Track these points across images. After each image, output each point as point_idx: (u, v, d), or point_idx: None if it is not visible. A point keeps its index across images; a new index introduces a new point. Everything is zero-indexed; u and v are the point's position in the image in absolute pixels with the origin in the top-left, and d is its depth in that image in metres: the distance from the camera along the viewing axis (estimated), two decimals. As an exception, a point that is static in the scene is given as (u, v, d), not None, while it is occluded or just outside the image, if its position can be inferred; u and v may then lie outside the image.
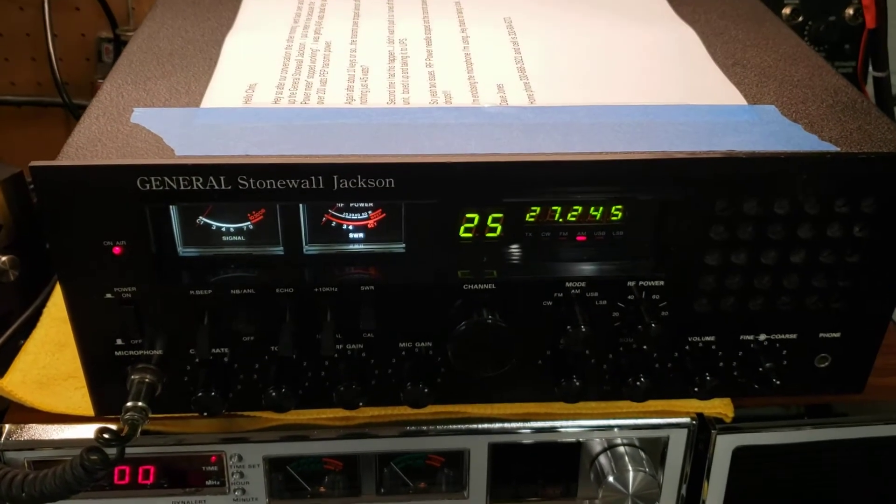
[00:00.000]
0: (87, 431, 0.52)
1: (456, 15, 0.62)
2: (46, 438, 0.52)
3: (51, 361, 0.56)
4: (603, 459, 0.55)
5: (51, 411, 0.53)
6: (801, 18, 0.84)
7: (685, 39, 0.59)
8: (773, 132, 0.48)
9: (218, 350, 0.49)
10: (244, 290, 0.47)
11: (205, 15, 0.61)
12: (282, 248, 0.48)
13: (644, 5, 0.65)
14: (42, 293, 0.63)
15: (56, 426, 0.53)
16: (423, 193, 0.45)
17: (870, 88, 0.74)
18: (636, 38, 0.59)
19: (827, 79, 0.54)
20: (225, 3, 0.63)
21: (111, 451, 0.46)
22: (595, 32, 0.60)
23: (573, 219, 0.48)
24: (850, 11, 0.84)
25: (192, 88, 0.51)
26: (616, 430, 0.55)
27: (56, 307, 0.61)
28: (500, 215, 0.48)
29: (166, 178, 0.43)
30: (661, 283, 0.49)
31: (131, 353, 0.49)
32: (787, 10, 0.84)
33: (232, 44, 0.56)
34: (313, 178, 0.44)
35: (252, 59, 0.54)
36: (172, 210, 0.46)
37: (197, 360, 0.49)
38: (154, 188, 0.43)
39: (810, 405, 0.56)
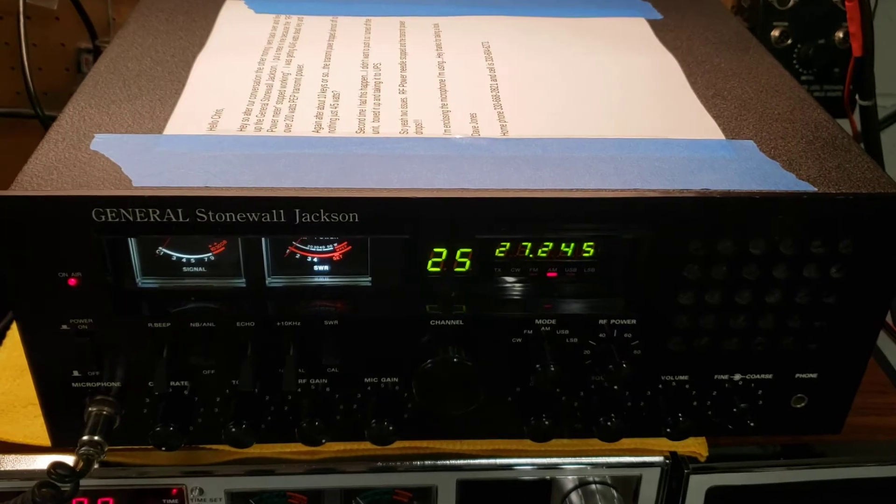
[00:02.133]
0: (45, 462, 0.50)
1: (433, 38, 0.61)
2: (2, 469, 0.51)
3: (10, 388, 0.55)
4: (574, 497, 0.54)
5: (8, 440, 0.52)
6: (790, 41, 0.83)
7: (666, 69, 0.58)
8: (750, 170, 0.47)
9: (177, 383, 0.48)
10: (204, 323, 0.46)
11: (177, 34, 0.60)
12: (244, 280, 0.47)
13: (627, 31, 0.64)
14: (5, 316, 0.62)
15: (13, 456, 0.51)
16: (388, 228, 0.44)
17: (857, 115, 0.73)
18: (616, 67, 0.58)
19: (808, 112, 0.53)
20: (198, 22, 0.62)
21: (65, 486, 0.44)
22: (575, 60, 0.59)
23: (544, 255, 0.47)
24: (840, 35, 0.83)
25: (156, 113, 0.50)
26: (588, 467, 0.53)
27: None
28: (468, 250, 0.46)
29: (122, 210, 0.42)
30: (634, 321, 0.48)
31: (88, 384, 0.48)
32: (776, 33, 0.83)
33: (202, 66, 0.55)
34: (274, 211, 0.42)
35: (221, 83, 0.53)
36: (130, 241, 0.45)
37: (156, 392, 0.48)
38: (110, 220, 0.42)
39: (787, 445, 0.55)
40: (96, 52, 0.88)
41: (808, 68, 0.84)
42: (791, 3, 0.83)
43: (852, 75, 0.70)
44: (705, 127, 0.51)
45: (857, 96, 0.70)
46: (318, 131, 0.48)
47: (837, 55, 0.84)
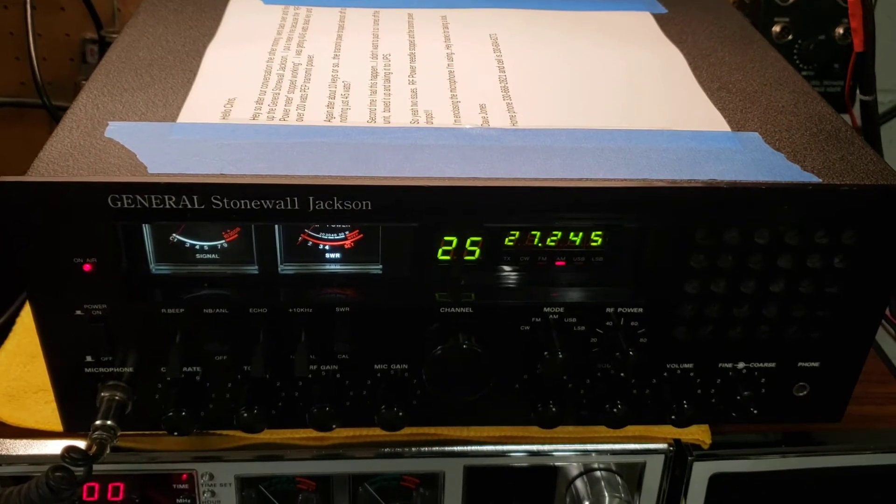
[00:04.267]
0: (56, 447, 0.51)
1: (442, 30, 0.61)
2: (14, 454, 0.51)
3: (21, 373, 0.55)
4: (579, 484, 0.54)
5: (19, 426, 0.52)
6: (790, 37, 0.84)
7: (671, 61, 0.59)
8: (756, 161, 0.47)
9: (190, 369, 0.48)
10: (217, 310, 0.47)
11: (187, 23, 0.61)
12: (256, 267, 0.47)
13: (632, 24, 0.64)
14: (16, 301, 0.62)
15: (25, 441, 0.52)
16: (401, 216, 0.45)
17: (857, 109, 0.74)
18: (622, 59, 0.58)
19: (812, 105, 0.54)
20: (208, 12, 0.62)
21: (78, 470, 0.45)
22: (581, 52, 0.59)
23: (552, 243, 0.48)
24: (840, 31, 0.84)
25: (169, 101, 0.50)
26: (593, 454, 0.54)
27: (30, 316, 0.59)
28: (478, 238, 0.47)
29: (138, 197, 0.42)
30: (640, 310, 0.48)
31: (101, 370, 0.48)
32: (776, 28, 0.84)
33: (213, 55, 0.56)
34: (288, 198, 0.43)
35: (232, 72, 0.54)
36: (145, 227, 0.45)
37: (168, 378, 0.48)
38: (125, 206, 0.42)
39: (788, 433, 0.56)
40: (101, 43, 0.88)
41: (809, 64, 0.85)
42: (792, -2, 0.83)
43: (853, 70, 0.71)
44: (711, 119, 0.52)
45: (857, 91, 0.71)
46: (329, 121, 0.49)
47: (837, 51, 0.85)
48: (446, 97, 0.52)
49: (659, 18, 0.65)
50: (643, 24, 0.64)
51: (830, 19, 0.84)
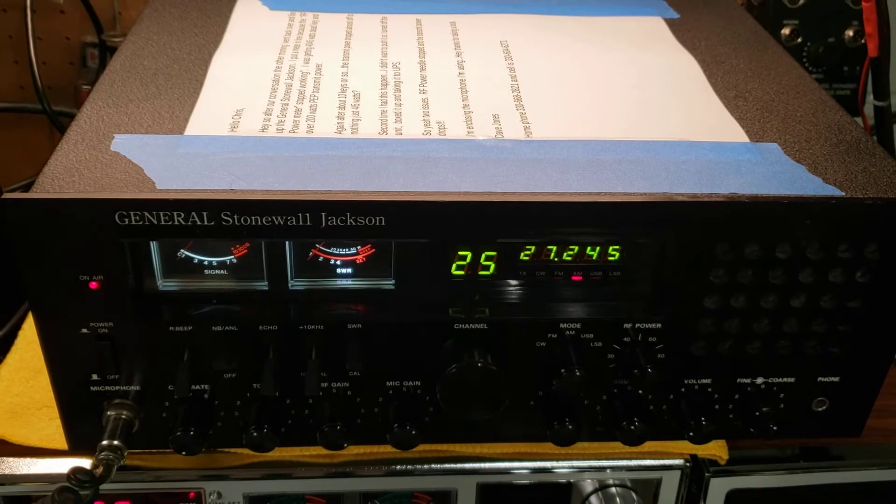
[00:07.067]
0: (61, 466, 0.50)
1: (451, 37, 0.60)
2: (18, 473, 0.50)
3: (24, 389, 0.54)
4: (594, 500, 0.54)
5: (23, 444, 0.51)
6: (799, 39, 0.83)
7: (686, 69, 0.57)
8: (777, 173, 0.46)
9: (198, 387, 0.47)
10: (226, 327, 0.46)
11: (192, 31, 0.59)
12: (266, 283, 0.46)
13: (645, 30, 0.63)
14: (17, 313, 0.61)
15: (29, 460, 0.51)
16: (415, 232, 0.43)
17: (867, 110, 0.73)
18: (636, 67, 0.57)
19: (830, 115, 0.53)
20: (213, 19, 0.61)
21: (84, 492, 0.44)
22: (594, 59, 0.58)
23: (569, 258, 0.47)
24: (850, 33, 0.83)
25: (176, 113, 0.49)
26: (608, 470, 0.53)
27: (32, 329, 0.58)
28: (493, 253, 0.46)
29: (146, 213, 0.41)
30: (659, 325, 0.47)
31: (107, 388, 0.47)
32: (786, 31, 0.83)
33: (219, 64, 0.54)
34: (300, 214, 0.42)
35: (240, 82, 0.52)
36: (152, 244, 0.44)
37: (176, 396, 0.47)
38: (133, 223, 0.41)
39: (807, 447, 0.55)
40: (102, 47, 0.87)
41: (818, 67, 0.84)
42: (801, 1, 0.82)
43: (867, 75, 0.70)
44: (729, 129, 0.51)
45: (869, 97, 0.70)
46: (340, 132, 0.48)
47: (847, 54, 0.84)
48: (458, 107, 0.51)
49: (671, 24, 0.64)
50: (656, 29, 0.63)
51: (840, 21, 0.83)
